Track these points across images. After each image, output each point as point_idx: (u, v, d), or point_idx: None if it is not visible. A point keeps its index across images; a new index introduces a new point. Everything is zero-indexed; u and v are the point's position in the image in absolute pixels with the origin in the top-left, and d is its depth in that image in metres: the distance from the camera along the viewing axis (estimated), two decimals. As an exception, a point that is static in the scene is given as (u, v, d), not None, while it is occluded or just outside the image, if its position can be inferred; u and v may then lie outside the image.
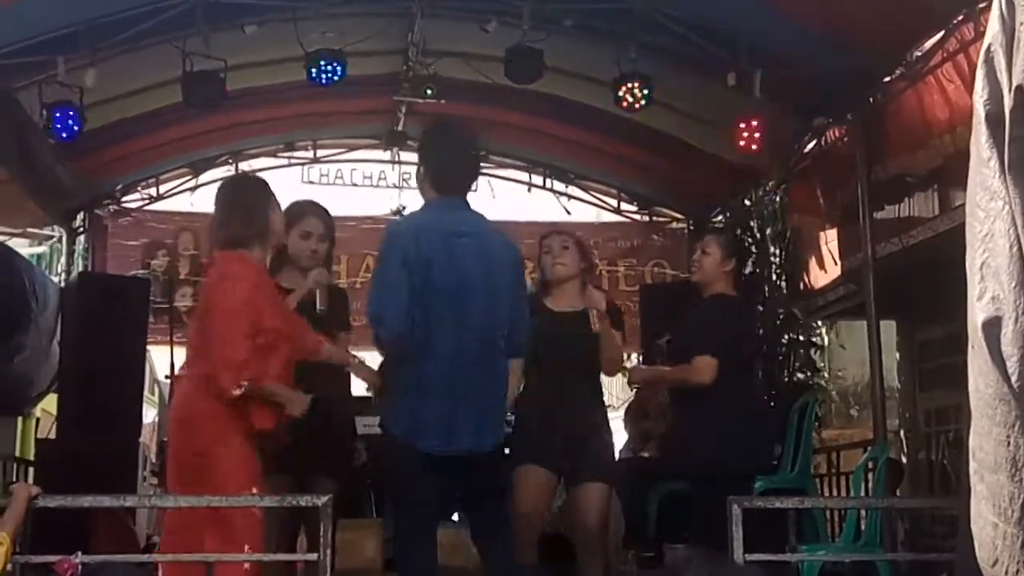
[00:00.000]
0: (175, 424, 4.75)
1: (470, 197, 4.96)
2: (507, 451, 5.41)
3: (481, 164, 5.61)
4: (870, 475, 6.49)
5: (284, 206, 5.42)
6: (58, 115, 7.47)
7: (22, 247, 10.53)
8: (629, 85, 7.65)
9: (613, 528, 7.05)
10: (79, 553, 4.21)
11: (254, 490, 4.61)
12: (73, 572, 4.07)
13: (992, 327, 1.19)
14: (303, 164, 10.98)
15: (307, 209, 5.81)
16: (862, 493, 6.51)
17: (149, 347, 9.51)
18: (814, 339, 10.15)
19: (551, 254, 5.77)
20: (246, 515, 4.55)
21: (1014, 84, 1.18)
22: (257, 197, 4.98)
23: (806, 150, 8.83)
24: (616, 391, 16.65)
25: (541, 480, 5.44)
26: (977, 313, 1.22)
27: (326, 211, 5.88)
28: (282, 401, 4.62)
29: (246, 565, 4.44)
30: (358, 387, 6.23)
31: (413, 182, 11.18)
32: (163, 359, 9.28)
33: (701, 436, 5.75)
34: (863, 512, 6.07)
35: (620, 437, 8.98)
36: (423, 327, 4.59)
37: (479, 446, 4.66)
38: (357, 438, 5.89)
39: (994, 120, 1.22)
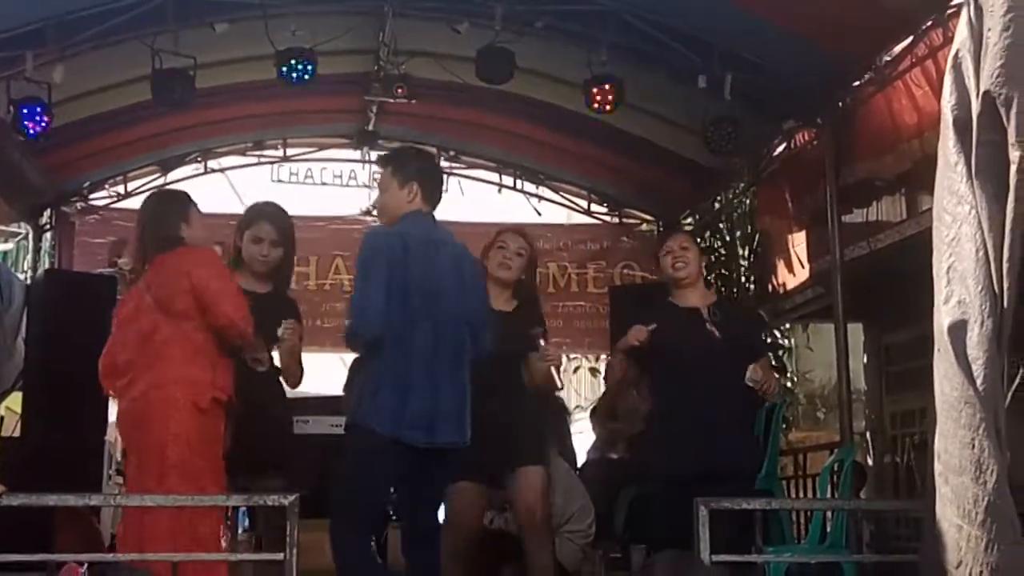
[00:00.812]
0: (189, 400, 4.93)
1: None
2: None
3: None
4: (836, 477, 6.52)
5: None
6: (25, 111, 7.39)
7: (-12, 244, 10.46)
8: (600, 87, 7.66)
9: (584, 528, 7.06)
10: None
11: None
12: None
13: (958, 330, 1.20)
14: (273, 163, 10.92)
15: (260, 214, 5.81)
16: (828, 495, 6.53)
17: (115, 345, 9.42)
18: (782, 341, 10.19)
19: (504, 251, 5.82)
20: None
21: (981, 89, 1.19)
22: (171, 210, 5.34)
23: (775, 153, 8.87)
24: (585, 391, 16.67)
25: (473, 496, 5.61)
26: (943, 316, 1.23)
27: (282, 214, 5.84)
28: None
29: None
30: (327, 387, 6.23)
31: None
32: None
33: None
34: (829, 514, 6.10)
35: (588, 438, 9.00)
36: (405, 326, 4.79)
37: (461, 439, 4.90)
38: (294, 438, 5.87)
39: (961, 125, 1.23)
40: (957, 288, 1.24)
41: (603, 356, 11.67)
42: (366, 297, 4.78)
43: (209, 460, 4.91)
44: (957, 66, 1.27)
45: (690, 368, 5.76)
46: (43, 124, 7.47)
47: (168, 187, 9.55)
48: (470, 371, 5.18)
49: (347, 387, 5.68)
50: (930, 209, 1.28)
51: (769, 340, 9.68)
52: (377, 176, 9.63)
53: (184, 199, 5.47)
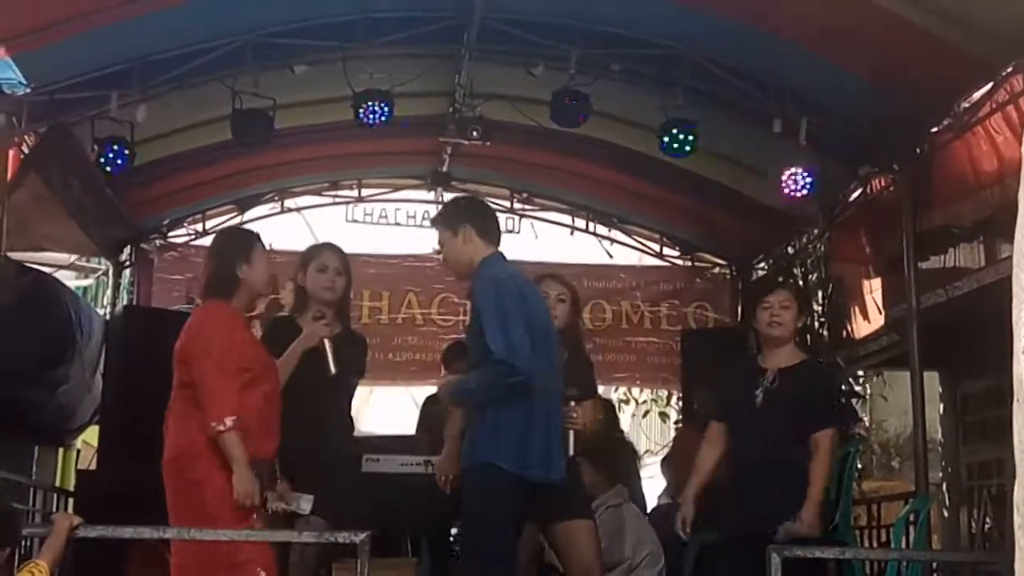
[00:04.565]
0: (172, 460, 4.86)
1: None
2: None
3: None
4: (911, 528, 6.42)
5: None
6: (109, 150, 7.59)
7: (69, 279, 10.63)
8: (675, 131, 7.68)
9: (653, 574, 7.00)
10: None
11: (255, 516, 4.70)
12: None
13: (1038, 380, 1.19)
14: (348, 203, 11.03)
15: (321, 247, 5.93)
16: (903, 546, 6.43)
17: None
18: (856, 389, 10.06)
19: (547, 300, 5.61)
20: (261, 550, 4.62)
21: (1063, 137, 1.19)
22: (233, 249, 5.15)
23: (851, 199, 8.80)
24: (655, 436, 16.56)
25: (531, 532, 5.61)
26: (1022, 366, 1.21)
27: (341, 251, 5.91)
28: (235, 471, 4.66)
29: None
30: (397, 426, 6.21)
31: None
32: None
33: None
34: (904, 565, 6.00)
35: (658, 483, 8.94)
36: (531, 367, 4.84)
37: (563, 475, 5.03)
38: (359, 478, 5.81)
39: (1042, 173, 1.22)
40: (1037, 337, 1.22)
41: (675, 395, 11.64)
42: (511, 341, 4.75)
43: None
44: (1038, 113, 1.26)
45: (748, 428, 5.61)
46: (125, 163, 7.64)
47: (238, 225, 9.63)
48: None
49: (420, 427, 5.68)
50: (1010, 257, 1.27)
51: (844, 388, 9.57)
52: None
53: (250, 237, 5.40)
